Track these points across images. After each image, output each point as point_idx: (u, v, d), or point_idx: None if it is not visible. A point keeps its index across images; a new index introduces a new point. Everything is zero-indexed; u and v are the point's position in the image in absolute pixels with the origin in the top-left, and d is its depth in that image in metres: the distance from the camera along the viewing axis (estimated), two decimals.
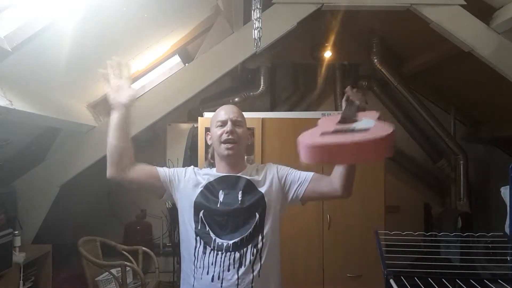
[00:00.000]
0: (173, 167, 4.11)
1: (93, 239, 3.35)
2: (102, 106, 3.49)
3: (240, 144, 1.60)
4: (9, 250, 2.50)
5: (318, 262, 3.27)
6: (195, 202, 1.57)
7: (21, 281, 2.64)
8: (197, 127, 3.36)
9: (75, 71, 2.76)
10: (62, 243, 3.19)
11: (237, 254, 1.49)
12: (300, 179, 1.60)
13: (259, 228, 1.54)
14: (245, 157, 1.72)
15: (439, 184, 4.61)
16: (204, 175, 1.63)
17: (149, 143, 4.47)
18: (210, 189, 1.59)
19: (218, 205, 1.55)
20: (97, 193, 4.29)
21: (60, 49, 2.38)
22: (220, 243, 1.50)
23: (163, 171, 1.67)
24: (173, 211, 4.07)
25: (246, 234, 1.51)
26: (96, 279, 3.19)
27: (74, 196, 3.60)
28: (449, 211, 4.26)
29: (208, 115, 3.48)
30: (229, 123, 1.59)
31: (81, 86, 3.14)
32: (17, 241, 2.65)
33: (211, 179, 1.61)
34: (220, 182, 1.60)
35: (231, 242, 1.50)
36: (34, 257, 2.84)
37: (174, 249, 4.06)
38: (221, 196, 1.56)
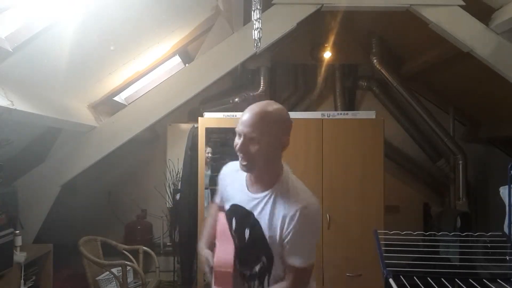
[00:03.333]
0: (173, 167, 4.16)
1: (94, 239, 3.36)
2: (103, 106, 3.50)
3: (255, 163, 1.38)
4: (10, 249, 2.50)
5: (317, 261, 3.27)
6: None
7: (22, 281, 2.64)
8: (197, 127, 3.37)
9: (75, 71, 2.77)
10: (63, 242, 3.20)
11: (245, 284, 1.51)
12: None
13: (267, 269, 1.44)
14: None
15: (438, 184, 4.62)
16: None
17: (150, 143, 4.48)
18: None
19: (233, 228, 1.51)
20: (98, 192, 4.30)
21: (61, 50, 2.40)
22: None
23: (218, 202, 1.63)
24: (173, 211, 4.08)
25: (253, 272, 1.47)
26: (96, 278, 3.19)
27: (75, 196, 3.62)
28: (448, 211, 4.27)
29: (208, 115, 3.49)
30: (242, 138, 1.37)
31: (82, 87, 3.15)
32: (18, 241, 2.65)
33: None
34: (234, 209, 1.51)
35: (239, 269, 1.50)
36: (35, 257, 2.85)
37: (175, 249, 4.06)
38: (233, 223, 1.51)
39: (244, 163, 1.38)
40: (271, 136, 1.37)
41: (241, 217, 1.45)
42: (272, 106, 1.40)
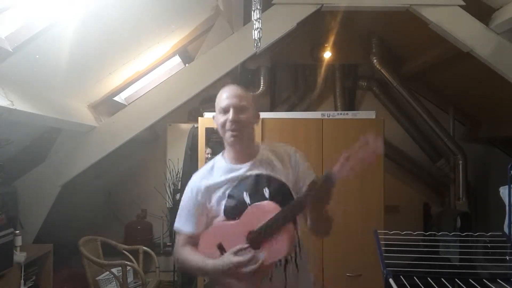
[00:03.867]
0: (173, 167, 4.16)
1: (94, 239, 3.36)
2: (103, 106, 3.50)
3: (246, 130, 1.51)
4: (10, 249, 2.50)
5: (317, 261, 3.27)
6: None
7: (22, 281, 2.64)
8: (197, 127, 3.37)
9: (76, 71, 2.77)
10: (63, 242, 3.20)
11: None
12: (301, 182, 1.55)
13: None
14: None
15: (438, 184, 4.62)
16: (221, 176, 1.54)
17: (150, 143, 4.49)
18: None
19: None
20: (98, 192, 4.30)
21: (61, 50, 2.40)
22: None
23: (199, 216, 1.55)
24: (173, 211, 4.08)
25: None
26: (96, 278, 3.19)
27: (75, 196, 3.61)
28: (448, 211, 4.27)
29: (208, 115, 3.49)
30: (231, 110, 1.48)
31: (82, 86, 3.15)
32: (18, 241, 2.65)
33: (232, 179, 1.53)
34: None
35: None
36: (35, 257, 2.84)
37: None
38: (246, 197, 1.50)
39: (235, 133, 1.48)
40: (251, 106, 1.53)
41: (251, 184, 1.50)
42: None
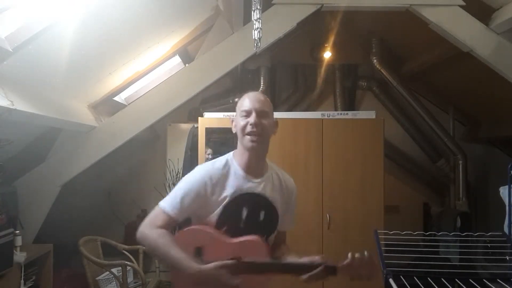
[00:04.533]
0: (173, 167, 4.16)
1: (94, 239, 3.36)
2: (103, 106, 3.50)
3: (265, 136, 1.49)
4: (10, 249, 2.50)
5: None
6: None
7: (22, 281, 2.64)
8: (197, 127, 3.37)
9: (76, 71, 2.77)
10: (63, 242, 3.20)
11: None
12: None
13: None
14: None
15: (438, 184, 4.62)
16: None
17: (150, 143, 4.48)
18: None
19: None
20: (98, 192, 4.30)
21: (61, 50, 2.39)
22: None
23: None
24: (202, 165, 4.07)
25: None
26: (96, 278, 3.19)
27: (75, 196, 3.61)
28: (448, 211, 4.27)
29: (208, 115, 3.49)
30: (253, 114, 1.46)
31: (82, 86, 3.15)
32: (18, 241, 2.65)
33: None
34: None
35: None
36: (35, 257, 2.84)
37: None
38: (244, 212, 1.51)
39: (255, 138, 1.45)
40: (272, 114, 1.53)
41: (254, 203, 1.50)
42: None
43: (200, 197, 1.47)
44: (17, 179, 3.09)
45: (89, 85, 3.18)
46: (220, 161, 1.56)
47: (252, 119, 1.45)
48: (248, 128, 1.46)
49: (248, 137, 1.46)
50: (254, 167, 1.51)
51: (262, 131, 1.46)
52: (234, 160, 1.54)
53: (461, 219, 3.82)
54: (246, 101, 1.50)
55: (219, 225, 1.47)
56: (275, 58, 4.19)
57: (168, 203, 1.49)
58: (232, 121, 1.54)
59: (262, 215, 1.51)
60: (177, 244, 1.42)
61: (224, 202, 1.47)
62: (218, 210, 1.47)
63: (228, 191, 1.48)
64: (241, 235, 1.46)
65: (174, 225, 1.49)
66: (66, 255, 3.31)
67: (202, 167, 1.55)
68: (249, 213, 1.49)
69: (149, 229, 1.48)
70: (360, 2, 3.04)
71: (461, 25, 2.99)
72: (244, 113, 1.48)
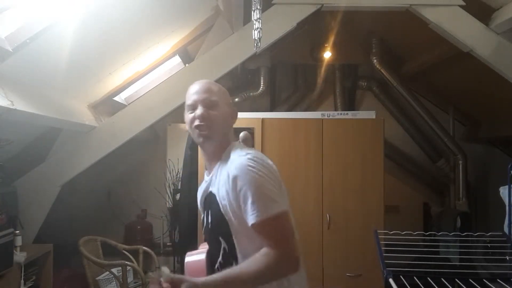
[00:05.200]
0: (173, 167, 4.15)
1: (94, 239, 3.36)
2: (103, 106, 3.50)
3: (217, 128, 1.30)
4: (10, 249, 2.50)
5: (317, 261, 3.28)
6: None
7: (22, 281, 2.64)
8: None
9: (76, 71, 2.77)
10: (63, 242, 3.20)
11: None
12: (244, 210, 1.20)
13: (230, 255, 1.26)
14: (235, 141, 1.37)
15: (438, 184, 4.62)
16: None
17: (150, 143, 4.49)
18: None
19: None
20: (98, 192, 4.30)
21: (61, 50, 2.40)
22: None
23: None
24: (173, 211, 4.08)
25: (217, 265, 1.29)
26: (96, 278, 3.19)
27: (75, 196, 3.61)
28: (448, 211, 4.27)
29: None
30: (199, 107, 1.29)
31: (82, 86, 3.15)
32: (18, 241, 2.65)
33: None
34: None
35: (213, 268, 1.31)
36: (35, 257, 2.84)
37: (175, 249, 4.07)
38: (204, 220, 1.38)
39: (204, 132, 1.29)
40: (224, 103, 1.33)
41: (206, 204, 1.35)
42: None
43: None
44: (17, 179, 3.09)
45: (89, 85, 3.18)
46: None
47: (198, 111, 1.29)
48: (196, 122, 1.29)
49: (196, 131, 1.30)
50: (210, 161, 1.36)
51: (212, 123, 1.28)
52: None
53: (461, 219, 3.82)
54: (190, 94, 1.33)
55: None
56: (275, 58, 4.20)
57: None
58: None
59: (209, 215, 1.32)
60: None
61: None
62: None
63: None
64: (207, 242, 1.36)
65: None
66: (66, 255, 3.31)
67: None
68: (204, 217, 1.36)
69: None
70: (360, 2, 3.03)
71: (461, 25, 2.99)
72: (190, 108, 1.32)
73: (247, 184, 1.18)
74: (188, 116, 1.32)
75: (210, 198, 1.31)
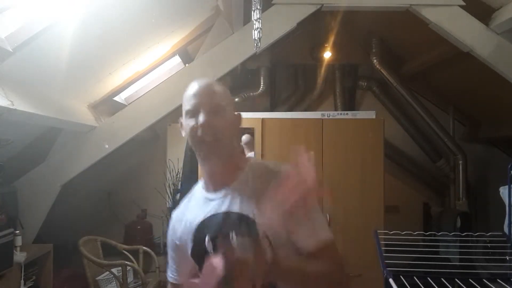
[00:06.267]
0: (173, 167, 4.15)
1: (94, 239, 3.36)
2: (103, 106, 3.50)
3: (224, 138, 1.08)
4: (10, 249, 2.50)
5: None
6: None
7: (22, 281, 2.64)
8: None
9: (76, 71, 2.77)
10: (63, 242, 3.20)
11: None
12: None
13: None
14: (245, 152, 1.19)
15: (438, 184, 4.62)
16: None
17: (150, 143, 4.49)
18: None
19: None
20: (98, 192, 4.30)
21: (61, 50, 2.40)
22: None
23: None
24: (173, 211, 4.07)
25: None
26: (96, 278, 3.19)
27: (75, 196, 3.61)
28: (448, 211, 4.27)
29: None
30: (201, 113, 1.06)
31: (82, 86, 3.15)
32: (18, 241, 2.65)
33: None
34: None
35: None
36: (35, 257, 2.84)
37: None
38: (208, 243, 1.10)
39: (209, 139, 1.06)
40: (230, 106, 1.12)
41: (215, 225, 1.09)
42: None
43: (176, 247, 1.25)
44: (17, 179, 3.09)
45: (89, 85, 3.18)
46: (188, 193, 1.25)
47: (201, 118, 1.06)
48: (199, 133, 1.06)
49: (199, 145, 1.08)
50: (215, 182, 1.13)
51: (214, 132, 1.06)
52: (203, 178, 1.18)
53: (461, 219, 3.82)
54: (189, 96, 1.09)
55: (198, 265, 1.14)
56: (275, 58, 4.20)
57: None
58: (181, 123, 1.13)
59: (234, 236, 0.96)
60: None
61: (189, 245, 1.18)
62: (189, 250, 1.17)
63: (191, 218, 1.17)
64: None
65: None
66: (66, 255, 3.31)
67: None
68: (216, 243, 1.03)
69: None
70: (360, 2, 3.04)
71: (461, 25, 2.99)
72: (189, 114, 1.09)
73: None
74: (187, 123, 1.09)
75: (227, 217, 1.08)
